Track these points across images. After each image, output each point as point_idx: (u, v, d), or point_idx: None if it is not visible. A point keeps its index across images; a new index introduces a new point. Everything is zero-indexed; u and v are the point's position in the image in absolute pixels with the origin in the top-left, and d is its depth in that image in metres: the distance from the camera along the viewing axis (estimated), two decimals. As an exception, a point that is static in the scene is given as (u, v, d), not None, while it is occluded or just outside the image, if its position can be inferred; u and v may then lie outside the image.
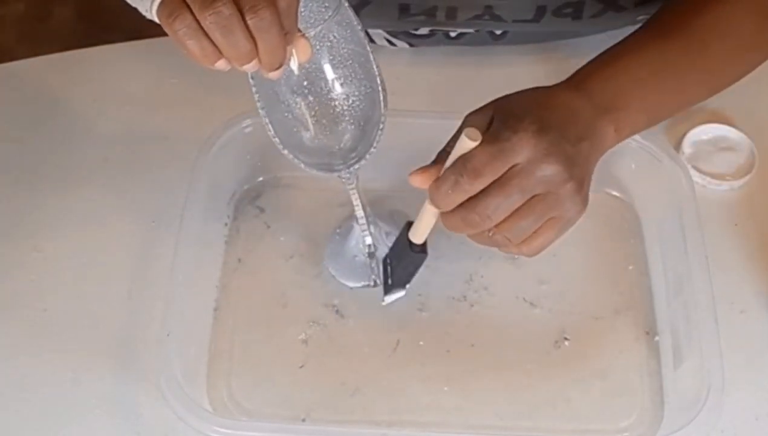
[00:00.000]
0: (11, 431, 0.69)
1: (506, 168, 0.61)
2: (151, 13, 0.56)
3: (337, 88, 0.63)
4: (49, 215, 0.79)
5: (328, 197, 0.81)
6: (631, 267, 0.77)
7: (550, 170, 0.61)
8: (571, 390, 0.71)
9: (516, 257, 0.77)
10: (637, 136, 0.77)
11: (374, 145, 0.66)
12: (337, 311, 0.75)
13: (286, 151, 0.66)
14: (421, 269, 0.73)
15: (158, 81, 0.88)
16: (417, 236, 0.69)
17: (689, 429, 0.62)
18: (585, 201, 0.65)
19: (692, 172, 0.80)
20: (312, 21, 0.62)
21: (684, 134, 0.83)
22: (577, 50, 0.87)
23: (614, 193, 0.81)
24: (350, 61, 0.63)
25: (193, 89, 0.87)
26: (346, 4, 0.61)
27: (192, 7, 0.54)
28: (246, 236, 0.79)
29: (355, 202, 0.71)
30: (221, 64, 0.56)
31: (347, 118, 0.64)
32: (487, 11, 0.82)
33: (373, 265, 0.74)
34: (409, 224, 0.70)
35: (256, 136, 0.78)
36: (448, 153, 0.64)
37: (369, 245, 0.73)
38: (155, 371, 0.66)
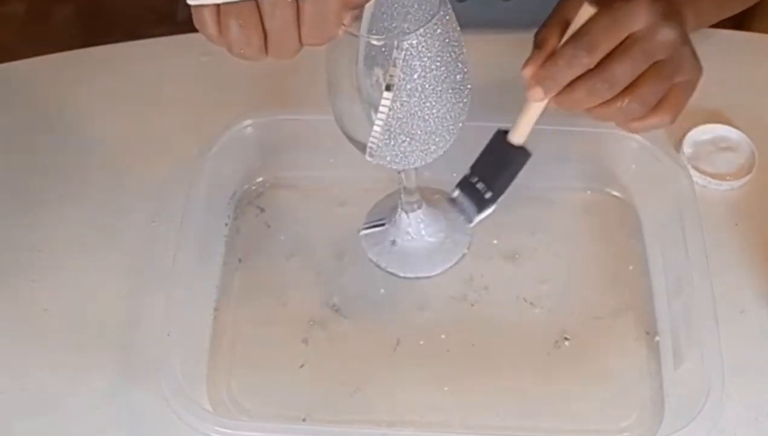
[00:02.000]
0: (11, 430, 0.69)
1: (625, 35, 0.61)
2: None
3: (422, 96, 0.60)
4: (49, 215, 0.79)
5: (328, 197, 0.81)
6: (631, 267, 0.77)
7: (669, 34, 0.62)
8: (571, 390, 0.71)
9: (519, 252, 0.77)
10: (637, 136, 0.77)
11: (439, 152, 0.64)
12: (337, 311, 0.75)
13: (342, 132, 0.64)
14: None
15: (158, 81, 0.88)
16: (518, 135, 0.66)
17: (689, 429, 0.62)
18: (700, 64, 0.66)
19: (692, 172, 0.80)
20: (408, 18, 0.61)
21: (684, 134, 0.83)
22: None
23: (614, 193, 0.81)
24: (441, 69, 0.60)
25: (193, 89, 0.87)
26: (448, 6, 0.59)
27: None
28: (246, 236, 0.79)
29: (407, 185, 0.70)
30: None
31: (423, 127, 0.61)
32: None
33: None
34: (501, 132, 0.67)
35: (256, 136, 0.79)
36: (545, 39, 0.64)
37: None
38: (155, 371, 0.66)
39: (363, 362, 0.72)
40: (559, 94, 0.63)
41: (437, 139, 0.63)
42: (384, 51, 0.59)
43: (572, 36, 0.62)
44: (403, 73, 0.58)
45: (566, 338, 0.73)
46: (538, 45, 0.66)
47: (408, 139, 0.61)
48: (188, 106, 0.85)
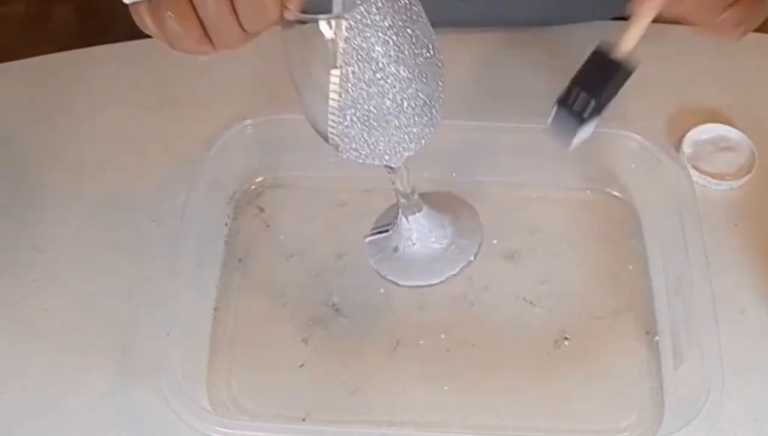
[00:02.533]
0: (11, 430, 0.69)
1: None
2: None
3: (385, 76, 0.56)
4: (49, 215, 0.79)
5: (328, 197, 0.81)
6: (631, 267, 0.77)
7: None
8: (571, 390, 0.71)
9: (519, 252, 0.77)
10: (637, 136, 0.77)
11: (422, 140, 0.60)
12: (337, 311, 0.75)
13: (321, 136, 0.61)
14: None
15: (158, 81, 0.88)
16: (628, 43, 0.64)
17: (689, 429, 0.62)
18: None
19: (692, 172, 0.80)
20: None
21: (684, 134, 0.83)
22: (586, 46, 0.87)
23: (614, 193, 0.81)
24: (404, 49, 0.55)
25: (193, 89, 0.87)
26: None
27: None
28: (246, 236, 0.79)
29: (400, 188, 0.67)
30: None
31: (396, 112, 0.57)
32: None
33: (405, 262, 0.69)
34: (601, 50, 0.64)
35: (256, 136, 0.78)
36: None
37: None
38: (155, 371, 0.66)
39: (363, 362, 0.72)
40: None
41: (408, 128, 0.58)
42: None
43: None
44: (353, 49, 0.54)
45: (566, 338, 0.73)
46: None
47: (369, 127, 0.57)
48: (188, 106, 0.85)
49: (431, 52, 0.57)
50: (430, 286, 0.72)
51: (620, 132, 0.77)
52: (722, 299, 0.71)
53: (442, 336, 0.73)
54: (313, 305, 0.75)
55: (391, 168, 0.65)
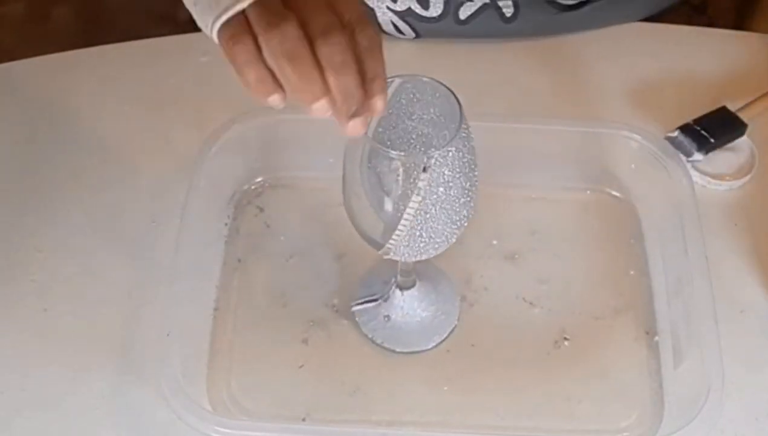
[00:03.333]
0: (11, 430, 0.69)
1: None
2: (212, 32, 0.53)
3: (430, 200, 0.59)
4: (49, 215, 0.79)
5: (328, 197, 0.81)
6: (630, 267, 0.77)
7: None
8: (571, 390, 0.71)
9: (519, 252, 0.77)
10: (637, 136, 0.77)
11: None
12: (337, 311, 0.75)
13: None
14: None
15: (158, 81, 0.88)
16: (754, 111, 0.81)
17: (689, 429, 0.62)
18: None
19: (692, 172, 0.80)
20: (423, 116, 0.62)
21: (684, 134, 0.83)
22: (586, 46, 0.87)
23: (614, 193, 0.81)
24: (454, 179, 0.59)
25: (193, 89, 0.87)
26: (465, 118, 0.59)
27: (256, 30, 0.50)
28: (246, 236, 0.79)
29: (404, 266, 0.71)
30: (276, 100, 0.50)
31: (431, 226, 0.61)
32: None
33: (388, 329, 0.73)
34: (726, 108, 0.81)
35: (256, 136, 0.78)
36: None
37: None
38: (155, 371, 0.66)
39: (363, 362, 0.72)
40: None
41: (444, 238, 0.63)
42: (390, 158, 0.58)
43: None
44: (420, 182, 0.57)
45: (566, 338, 0.73)
46: None
47: (416, 240, 0.61)
48: (188, 106, 0.85)
49: (476, 170, 0.62)
50: (424, 351, 0.73)
51: (620, 132, 0.77)
52: (722, 299, 0.71)
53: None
54: (313, 306, 0.75)
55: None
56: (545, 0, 0.87)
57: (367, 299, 0.74)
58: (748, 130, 0.82)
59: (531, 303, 0.75)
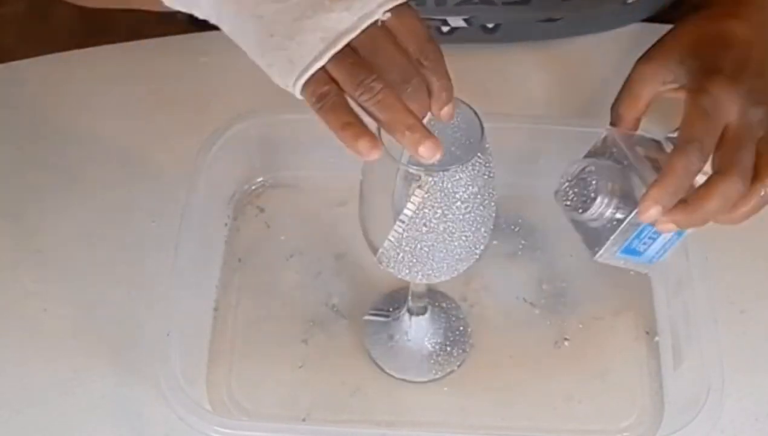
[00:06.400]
0: (11, 430, 0.69)
1: (723, 126, 0.62)
2: (294, 91, 0.55)
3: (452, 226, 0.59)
4: (50, 215, 0.79)
5: (328, 197, 0.81)
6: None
7: (761, 111, 0.63)
8: (571, 390, 0.71)
9: (519, 252, 0.77)
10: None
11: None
12: (337, 311, 0.75)
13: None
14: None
15: (158, 81, 0.88)
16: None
17: (689, 429, 0.62)
18: None
19: (692, 172, 0.79)
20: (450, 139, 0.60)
21: (684, 134, 0.83)
22: (587, 46, 0.87)
23: (614, 193, 0.81)
24: (473, 200, 0.58)
25: (193, 89, 0.87)
26: (487, 145, 0.58)
27: (342, 85, 0.54)
28: (246, 236, 0.79)
29: (414, 288, 0.70)
30: (365, 146, 0.53)
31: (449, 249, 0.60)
32: None
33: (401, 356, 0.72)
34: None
35: (256, 136, 0.78)
36: (621, 115, 0.67)
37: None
38: (155, 371, 0.66)
39: (363, 362, 0.72)
40: (689, 212, 0.62)
41: (452, 264, 0.62)
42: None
43: (676, 146, 0.62)
44: (427, 202, 0.57)
45: (566, 338, 0.73)
46: (613, 121, 0.67)
47: (417, 260, 0.60)
48: (188, 106, 0.85)
49: (491, 209, 0.61)
50: (413, 382, 0.71)
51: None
52: (722, 299, 0.71)
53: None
54: (313, 305, 0.75)
55: None
56: (525, 20, 0.87)
57: (380, 312, 0.73)
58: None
59: (531, 303, 0.75)
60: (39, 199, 0.80)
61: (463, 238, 0.60)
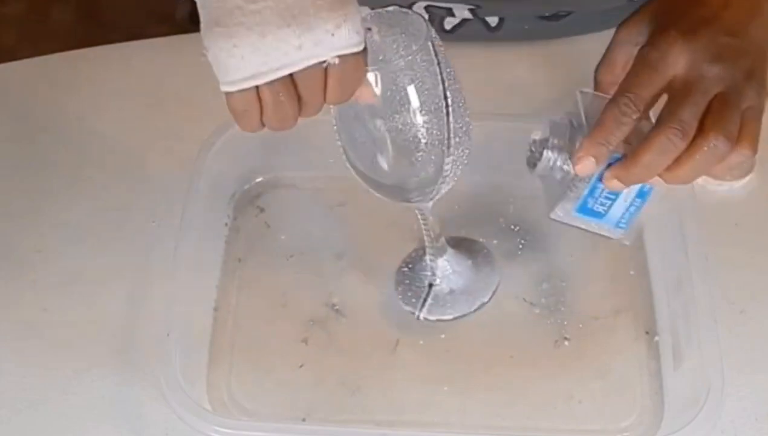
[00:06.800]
0: (11, 430, 0.69)
1: (667, 79, 0.62)
2: (221, 86, 0.57)
3: (419, 118, 0.61)
4: (50, 215, 0.79)
5: (328, 197, 0.81)
6: (630, 267, 0.77)
7: (715, 69, 0.61)
8: (571, 390, 0.71)
9: (519, 252, 0.77)
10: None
11: (447, 177, 0.64)
12: (337, 311, 0.75)
13: (359, 179, 0.66)
14: (421, 269, 0.73)
15: (158, 81, 0.88)
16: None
17: (689, 429, 0.62)
18: (761, 85, 0.64)
19: (692, 172, 0.79)
20: (399, 51, 0.62)
21: (684, 134, 0.83)
22: (589, 46, 0.87)
23: (614, 193, 0.81)
24: (434, 92, 0.61)
25: (193, 89, 0.87)
26: (434, 35, 0.60)
27: (263, 113, 0.57)
28: (246, 236, 0.79)
29: (425, 231, 0.71)
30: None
31: (427, 148, 0.62)
32: None
33: (430, 298, 0.73)
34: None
35: (256, 136, 0.78)
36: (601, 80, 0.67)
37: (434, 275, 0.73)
38: (155, 371, 0.66)
39: (363, 362, 0.72)
40: (627, 167, 0.62)
41: (438, 162, 0.63)
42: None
43: (614, 94, 0.62)
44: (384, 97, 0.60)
45: (566, 338, 0.73)
46: (595, 86, 0.67)
47: (407, 162, 0.62)
48: (188, 106, 0.85)
49: (456, 90, 0.62)
50: (447, 321, 0.73)
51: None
52: (722, 299, 0.71)
53: (442, 336, 0.73)
54: (313, 305, 0.75)
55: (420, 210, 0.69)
56: (531, 14, 0.87)
57: (406, 265, 0.75)
58: (748, 130, 0.82)
59: (531, 303, 0.75)
60: (39, 199, 0.80)
61: (434, 131, 0.61)
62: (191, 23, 0.87)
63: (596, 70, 0.70)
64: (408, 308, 0.73)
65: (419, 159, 0.62)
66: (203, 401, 0.69)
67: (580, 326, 0.74)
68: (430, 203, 0.68)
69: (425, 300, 0.73)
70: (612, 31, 0.72)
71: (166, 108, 0.86)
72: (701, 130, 0.61)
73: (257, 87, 0.56)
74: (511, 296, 0.75)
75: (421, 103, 0.60)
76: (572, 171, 0.64)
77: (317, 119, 0.77)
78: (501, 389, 0.71)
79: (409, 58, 0.59)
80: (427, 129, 0.61)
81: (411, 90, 0.60)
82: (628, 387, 0.71)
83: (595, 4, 0.87)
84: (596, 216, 0.67)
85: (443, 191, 0.66)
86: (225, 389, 0.71)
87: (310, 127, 0.78)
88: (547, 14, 0.87)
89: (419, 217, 0.70)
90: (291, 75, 0.56)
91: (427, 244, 0.73)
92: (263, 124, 0.58)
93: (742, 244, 0.77)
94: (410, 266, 0.75)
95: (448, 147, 0.62)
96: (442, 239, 0.73)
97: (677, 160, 0.61)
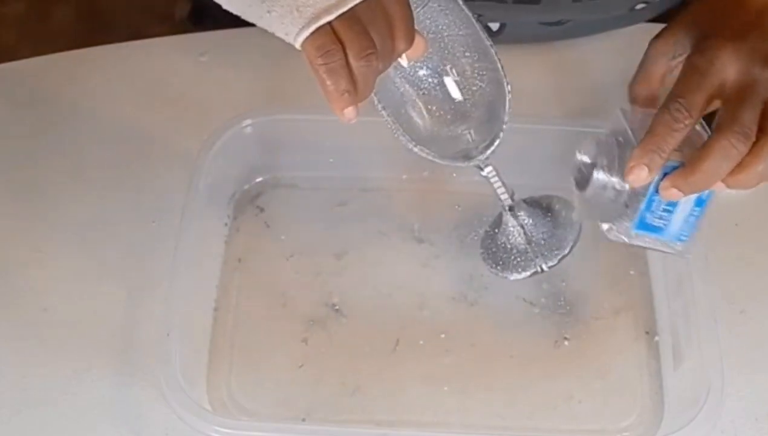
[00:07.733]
0: (11, 430, 0.69)
1: (717, 83, 0.61)
2: (295, 40, 0.55)
3: (456, 74, 0.62)
4: (50, 215, 0.79)
5: (328, 197, 0.81)
6: (630, 267, 0.77)
7: (765, 74, 0.61)
8: (571, 390, 0.71)
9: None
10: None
11: (504, 123, 0.65)
12: (337, 311, 0.75)
13: (417, 149, 0.65)
14: (421, 269, 0.73)
15: (158, 81, 0.88)
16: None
17: (689, 429, 0.62)
18: None
19: (692, 172, 0.79)
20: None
21: (684, 134, 0.83)
22: (591, 46, 0.87)
23: (614, 193, 0.81)
24: (464, 47, 0.62)
25: (193, 89, 0.87)
26: None
27: (347, 48, 0.54)
28: (246, 236, 0.79)
29: (497, 187, 0.71)
30: (350, 112, 0.56)
31: (471, 102, 0.63)
32: None
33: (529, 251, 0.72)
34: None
35: (256, 136, 0.78)
36: (637, 94, 0.67)
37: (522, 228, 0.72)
38: (155, 371, 0.66)
39: (363, 362, 0.72)
40: (687, 174, 0.61)
41: (483, 102, 0.65)
42: None
43: (664, 101, 0.62)
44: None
45: (566, 338, 0.73)
46: (630, 100, 0.66)
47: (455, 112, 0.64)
48: (188, 106, 0.85)
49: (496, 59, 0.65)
50: (533, 274, 0.72)
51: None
52: (722, 299, 0.71)
53: (442, 336, 0.73)
54: (313, 305, 0.75)
55: (480, 168, 0.70)
56: (533, 21, 0.87)
57: (489, 230, 0.75)
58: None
59: (531, 303, 0.75)
60: (39, 199, 0.80)
61: (479, 68, 0.63)
62: (191, 23, 0.87)
63: (631, 85, 0.69)
64: (503, 275, 0.73)
65: (471, 103, 0.63)
66: (203, 401, 0.69)
67: (580, 326, 0.74)
68: (488, 152, 0.68)
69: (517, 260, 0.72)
70: (614, 33, 0.72)
71: (166, 108, 0.86)
72: (763, 132, 0.61)
73: (332, 29, 0.55)
74: (511, 296, 0.75)
75: (465, 45, 0.62)
76: (625, 189, 0.63)
77: (317, 119, 0.77)
78: (501, 389, 0.71)
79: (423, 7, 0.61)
80: (470, 64, 0.62)
81: (450, 32, 0.61)
82: (628, 387, 0.71)
83: (596, 15, 0.87)
84: (656, 231, 0.64)
85: (502, 134, 0.66)
86: (225, 389, 0.71)
87: (310, 127, 0.79)
88: (549, 20, 0.87)
89: (490, 178, 0.70)
90: (360, 20, 0.55)
91: (504, 201, 0.72)
92: (349, 69, 0.56)
93: (742, 244, 0.77)
94: (495, 230, 0.75)
95: (505, 75, 0.63)
96: (516, 195, 0.72)
97: (740, 165, 0.61)
